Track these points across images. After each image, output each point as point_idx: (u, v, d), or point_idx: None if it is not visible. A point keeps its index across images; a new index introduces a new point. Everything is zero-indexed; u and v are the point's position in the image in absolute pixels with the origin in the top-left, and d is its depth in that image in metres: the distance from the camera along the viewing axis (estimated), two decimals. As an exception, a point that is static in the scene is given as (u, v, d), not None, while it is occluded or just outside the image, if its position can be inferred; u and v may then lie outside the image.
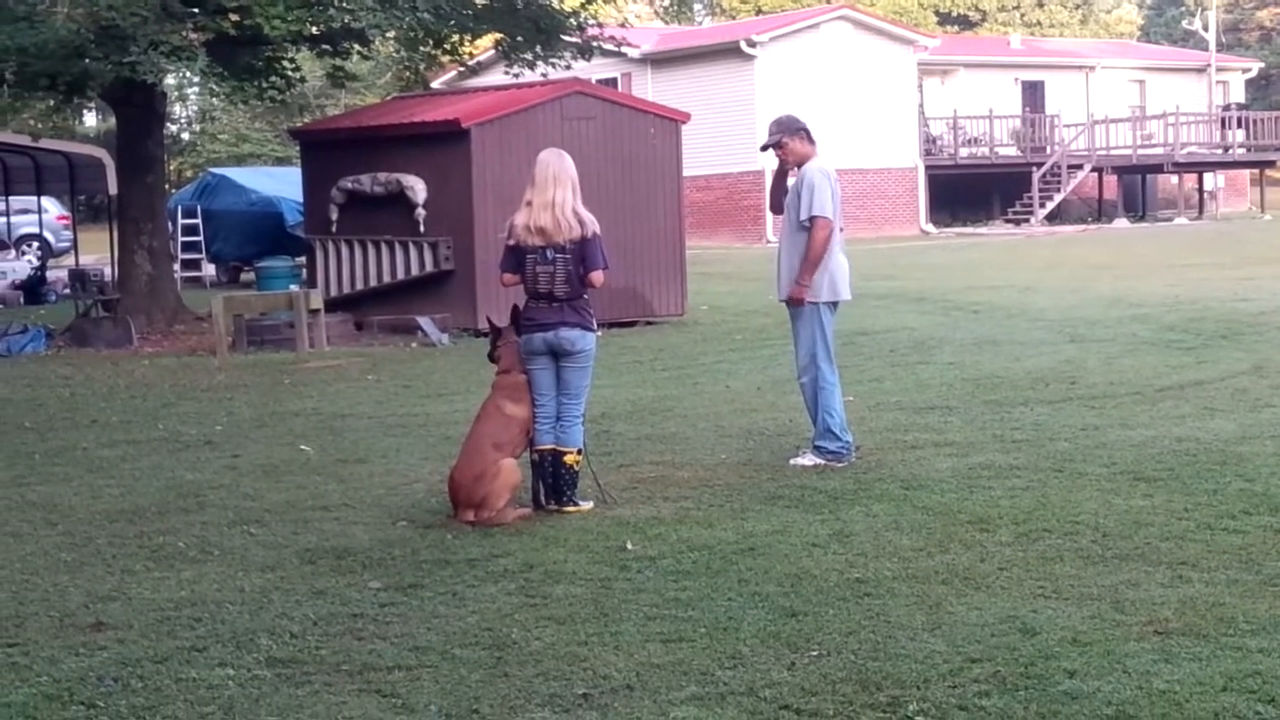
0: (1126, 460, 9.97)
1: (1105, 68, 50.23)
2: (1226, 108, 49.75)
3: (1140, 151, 45.70)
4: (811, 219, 10.11)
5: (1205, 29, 54.32)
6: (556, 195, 8.99)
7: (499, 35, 23.12)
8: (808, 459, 10.17)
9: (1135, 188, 48.48)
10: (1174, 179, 47.65)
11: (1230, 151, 47.32)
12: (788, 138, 10.34)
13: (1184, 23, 65.91)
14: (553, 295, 9.06)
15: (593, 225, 9.07)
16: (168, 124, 37.48)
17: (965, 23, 68.31)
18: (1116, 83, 49.99)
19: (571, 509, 9.00)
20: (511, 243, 9.12)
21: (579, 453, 9.18)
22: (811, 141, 10.37)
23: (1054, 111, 47.17)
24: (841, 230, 10.40)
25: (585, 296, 9.16)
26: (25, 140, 27.96)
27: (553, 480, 9.10)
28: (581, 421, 9.27)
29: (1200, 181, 48.31)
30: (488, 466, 8.87)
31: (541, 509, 9.12)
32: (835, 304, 10.43)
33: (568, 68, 23.09)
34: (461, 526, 8.73)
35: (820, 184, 10.18)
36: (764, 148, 10.50)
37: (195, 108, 60.64)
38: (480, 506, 8.81)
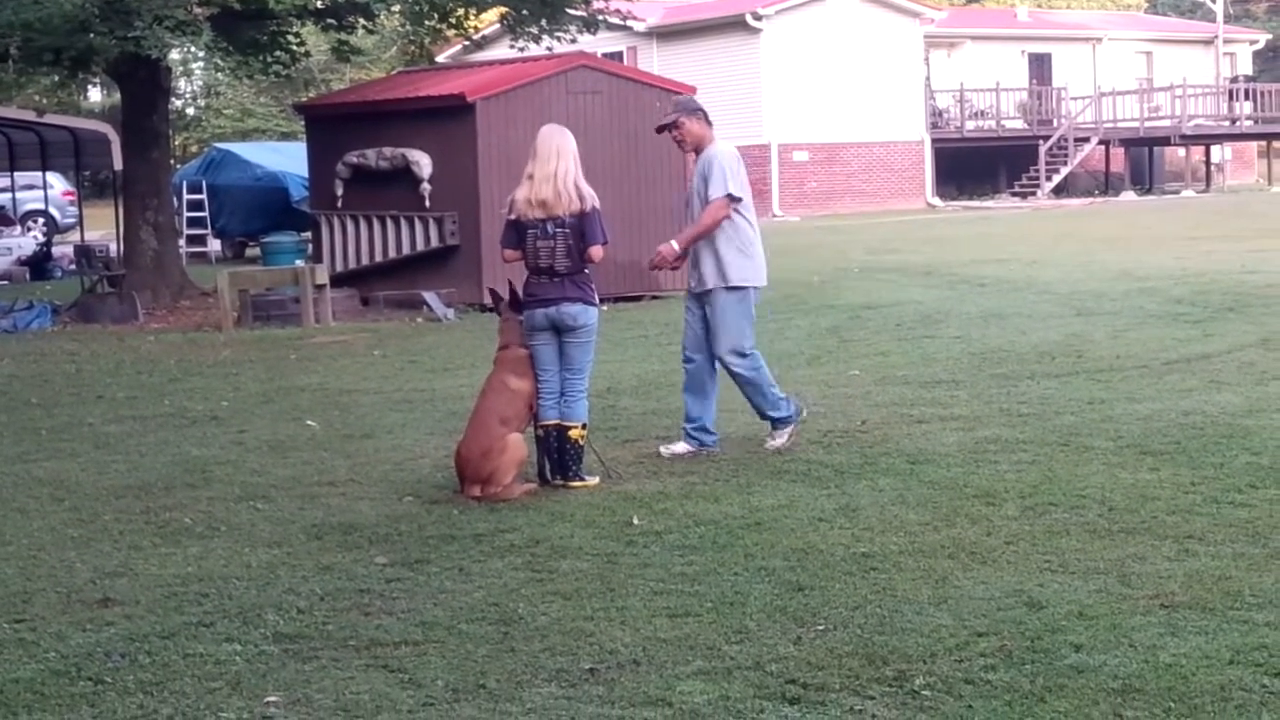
0: (1133, 434, 9.96)
1: (1112, 40, 50.09)
2: (1234, 80, 49.60)
3: (1147, 124, 45.59)
4: (725, 198, 9.68)
5: (1213, 1, 54.15)
6: (559, 167, 8.97)
7: (504, 9, 23.07)
8: (778, 439, 9.95)
9: (1142, 160, 48.37)
10: (1181, 151, 47.52)
11: (1237, 124, 47.20)
12: (685, 117, 9.86)
13: (1191, -6, 65.72)
14: (553, 270, 9.04)
15: (592, 199, 9.05)
16: (173, 99, 37.39)
17: (971, -5, 68.08)
18: (1123, 55, 49.85)
19: (577, 484, 9.00)
20: (513, 217, 9.10)
21: (584, 427, 9.18)
22: (709, 124, 9.90)
23: (1061, 84, 47.07)
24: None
25: (586, 271, 9.15)
26: (30, 115, 27.92)
27: (558, 455, 9.10)
28: (586, 396, 9.26)
29: (1207, 154, 48.21)
30: (494, 442, 8.87)
31: (547, 484, 9.12)
32: (758, 290, 10.02)
33: (573, 41, 23.04)
34: (468, 502, 8.73)
35: (727, 166, 9.70)
36: (659, 129, 10.04)
37: (200, 82, 60.59)
38: (487, 482, 8.82)
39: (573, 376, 9.20)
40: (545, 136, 9.10)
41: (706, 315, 9.97)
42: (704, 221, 9.75)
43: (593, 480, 9.07)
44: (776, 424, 10.03)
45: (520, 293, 9.28)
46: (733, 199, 9.72)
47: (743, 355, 9.97)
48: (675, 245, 9.91)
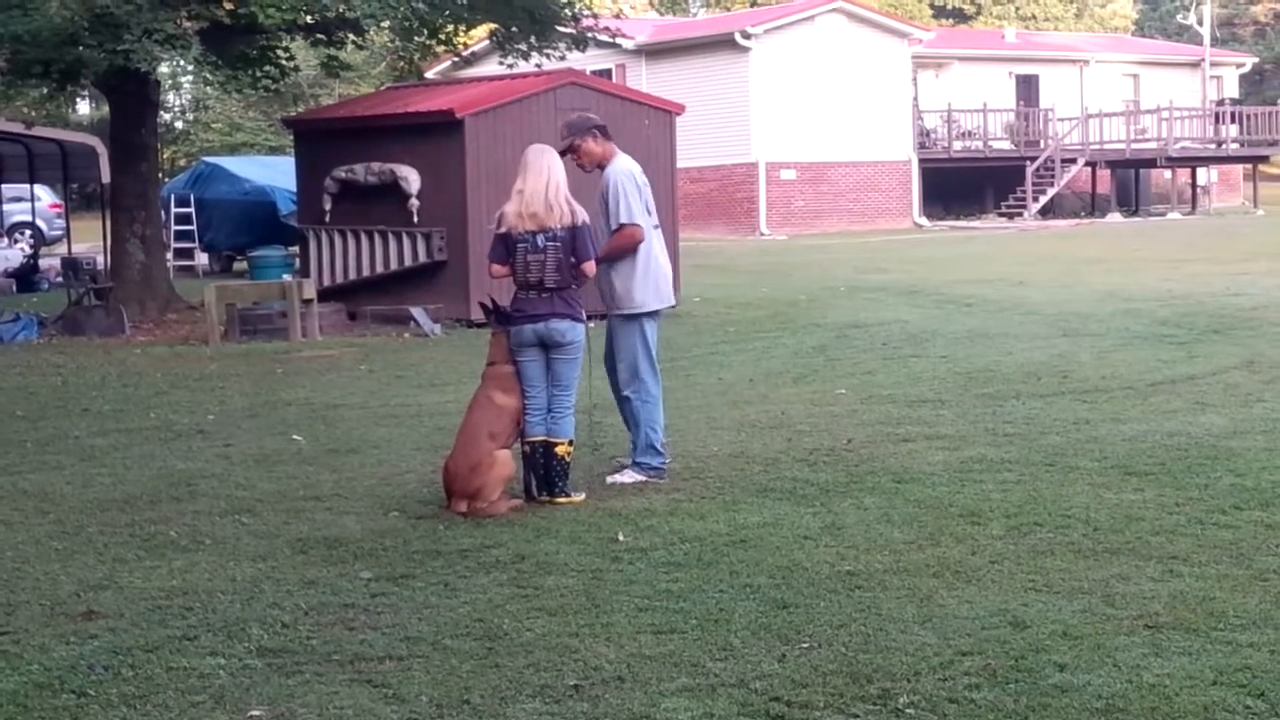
0: (1118, 454, 9.98)
1: (1099, 62, 50.22)
2: (1220, 103, 49.72)
3: (1134, 146, 45.71)
4: (620, 226, 9.47)
5: (1199, 23, 54.36)
6: (550, 181, 8.96)
7: (494, 25, 23.10)
8: (628, 476, 9.57)
9: (1128, 182, 48.48)
10: (1167, 174, 47.64)
11: (1224, 146, 47.30)
12: (580, 139, 9.56)
13: (1178, 17, 65.96)
14: (543, 284, 9.03)
15: (583, 214, 9.06)
16: (161, 112, 37.36)
17: (960, 16, 68.32)
18: (1110, 77, 49.99)
19: (563, 500, 9.00)
20: (502, 230, 9.07)
21: (570, 444, 9.18)
22: (608, 138, 9.64)
23: (1048, 105, 47.17)
24: (657, 228, 9.74)
25: (574, 287, 9.14)
26: (18, 128, 27.89)
27: (544, 472, 9.09)
28: (572, 413, 9.26)
29: (1193, 176, 48.32)
30: (482, 457, 8.86)
31: (533, 500, 9.12)
32: (658, 313, 9.73)
33: (562, 58, 23.06)
34: (454, 517, 8.73)
35: (627, 188, 9.45)
36: (562, 153, 9.49)
37: (189, 96, 60.53)
38: (474, 497, 8.81)
39: (560, 393, 9.18)
40: (535, 153, 9.11)
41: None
42: (614, 245, 9.49)
43: (579, 497, 9.07)
44: (638, 464, 9.63)
45: (507, 309, 9.25)
46: (626, 227, 9.47)
47: (635, 380, 9.69)
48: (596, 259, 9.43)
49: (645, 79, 40.66)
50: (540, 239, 8.98)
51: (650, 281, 9.63)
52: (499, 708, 5.59)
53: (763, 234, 40.76)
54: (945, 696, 5.57)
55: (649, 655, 6.13)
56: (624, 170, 9.56)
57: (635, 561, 7.63)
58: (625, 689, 5.75)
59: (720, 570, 7.42)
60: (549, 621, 6.63)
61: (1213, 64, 52.33)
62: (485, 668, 6.03)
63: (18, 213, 37.55)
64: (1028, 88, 48.47)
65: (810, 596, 6.91)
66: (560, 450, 9.10)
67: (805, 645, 6.20)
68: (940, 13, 66.84)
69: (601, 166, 9.66)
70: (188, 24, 20.37)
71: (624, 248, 9.50)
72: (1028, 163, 44.45)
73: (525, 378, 9.15)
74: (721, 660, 6.05)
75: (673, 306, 10.23)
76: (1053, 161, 44.71)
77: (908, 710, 5.45)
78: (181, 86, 57.75)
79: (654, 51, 43.18)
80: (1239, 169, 51.61)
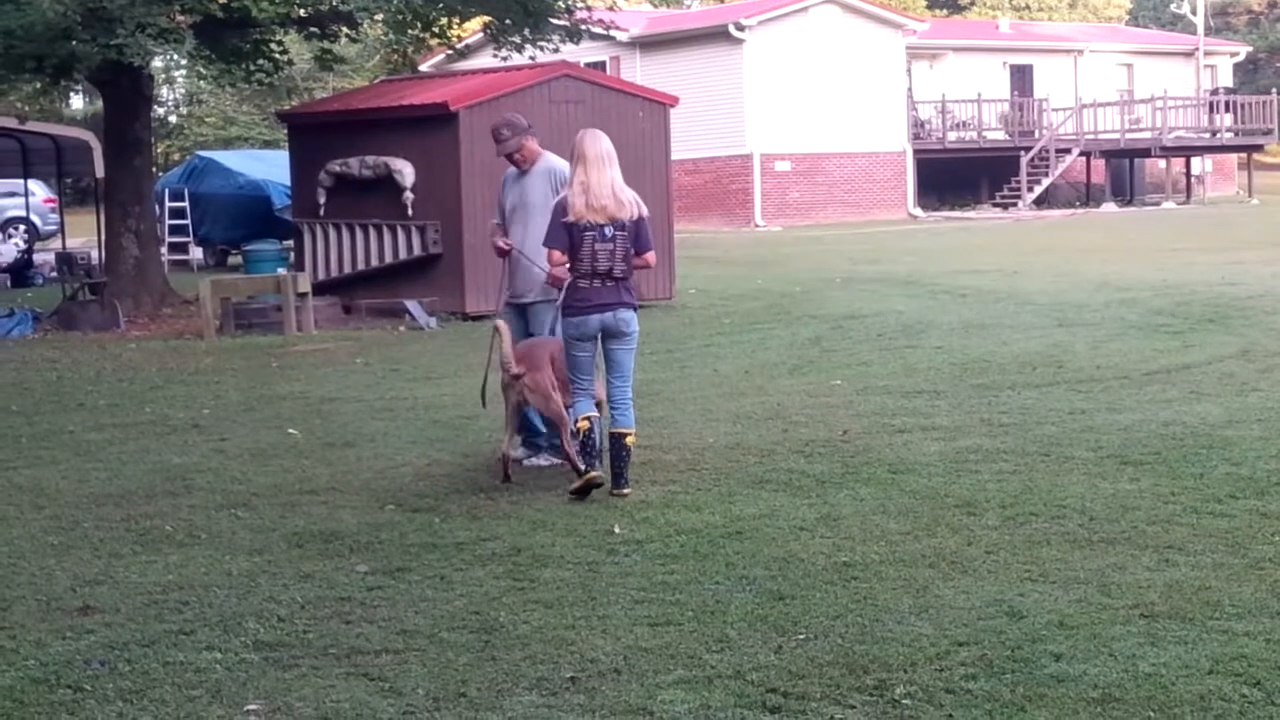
0: (1113, 444, 9.99)
1: (1093, 52, 50.21)
2: (1214, 92, 49.76)
3: (1128, 136, 45.70)
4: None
5: (1193, 13, 54.32)
6: (616, 172, 8.98)
7: (487, 18, 23.08)
8: (544, 459, 9.95)
9: (1123, 172, 48.48)
10: (1162, 163, 47.63)
11: (1218, 136, 47.32)
12: (525, 139, 10.01)
13: (1172, 6, 65.89)
14: (611, 274, 8.97)
15: (643, 206, 9.09)
16: (155, 107, 37.32)
17: (954, 6, 68.27)
18: (1105, 67, 49.99)
19: (627, 491, 8.93)
20: (570, 220, 8.91)
21: (635, 434, 9.19)
22: (534, 138, 10.11)
23: (1042, 95, 47.14)
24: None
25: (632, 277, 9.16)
26: (12, 123, 27.83)
27: (615, 463, 8.99)
28: (632, 403, 9.27)
29: (1188, 166, 48.33)
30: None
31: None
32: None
33: (556, 51, 23.05)
34: (449, 511, 8.73)
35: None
36: (507, 155, 10.03)
37: (182, 90, 60.44)
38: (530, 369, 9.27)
39: (622, 383, 9.16)
40: (591, 142, 9.01)
41: (528, 326, 10.10)
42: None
43: (628, 490, 9.00)
44: (554, 446, 9.85)
45: (565, 298, 9.09)
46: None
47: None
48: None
49: (640, 71, 40.63)
50: (609, 229, 8.92)
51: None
52: (496, 700, 5.59)
53: (758, 225, 40.75)
54: (942, 687, 5.57)
55: (645, 647, 6.13)
56: (559, 166, 9.94)
57: (631, 554, 7.64)
58: (622, 681, 5.76)
59: (716, 562, 7.42)
60: (545, 614, 6.63)
61: (1207, 53, 52.33)
62: (482, 660, 6.04)
63: (12, 208, 37.50)
64: (1022, 78, 48.46)
65: (806, 588, 6.92)
66: (630, 440, 9.07)
67: (801, 636, 6.21)
68: (934, 3, 66.77)
69: (533, 164, 10.06)
70: (181, 18, 20.37)
71: None
72: (1022, 153, 44.44)
73: (580, 367, 9.09)
74: (718, 652, 6.05)
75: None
76: (1047, 152, 44.71)
77: (904, 701, 5.46)
78: (175, 81, 57.68)
79: (648, 44, 43.15)
80: (1233, 158, 51.61)
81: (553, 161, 10.07)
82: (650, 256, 9.17)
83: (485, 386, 9.69)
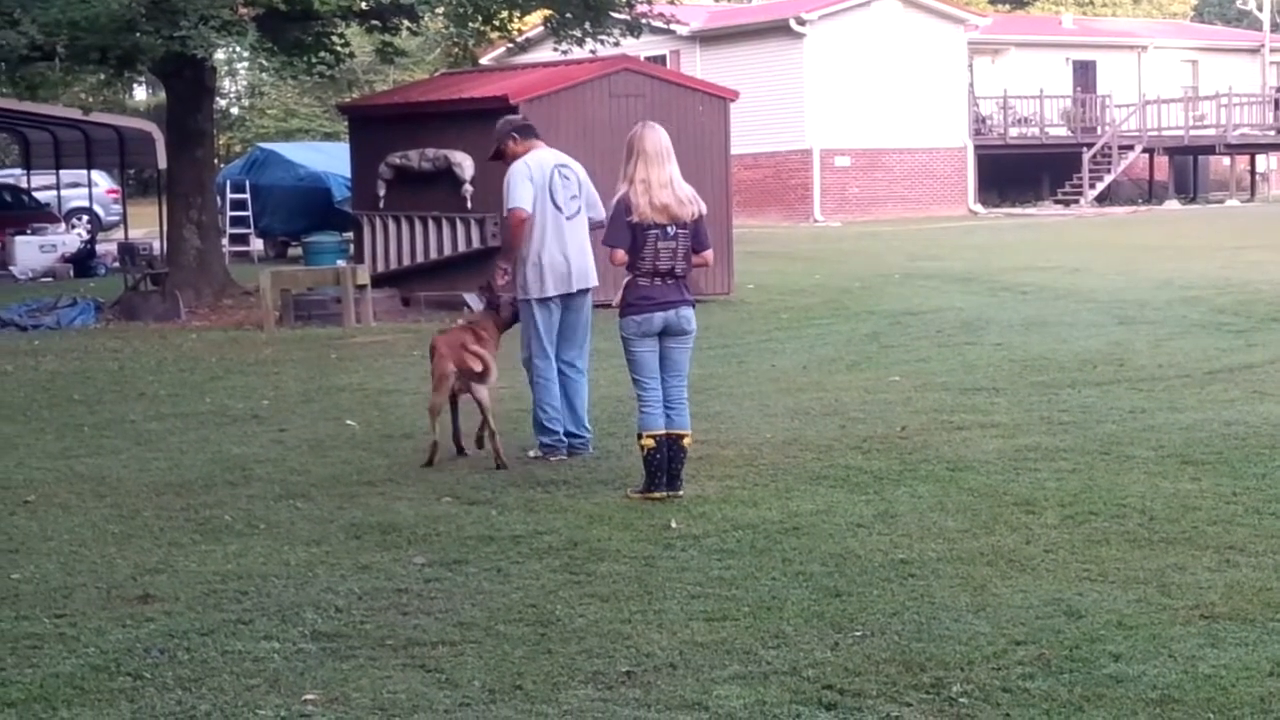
0: (1174, 443, 9.91)
1: (1158, 48, 49.83)
2: (1280, 89, 49.34)
3: (1192, 132, 45.36)
4: (509, 212, 10.08)
5: (1259, 9, 53.83)
6: (673, 170, 8.92)
7: (548, 12, 23.09)
8: (533, 451, 10.17)
9: (1186, 169, 48.12)
10: (1226, 161, 47.26)
11: (1283, 133, 46.94)
12: (505, 144, 10.35)
13: (1238, 2, 65.29)
14: (673, 272, 8.88)
15: (702, 203, 9.05)
16: (217, 98, 37.57)
17: (1017, 1, 67.87)
18: (1169, 63, 49.59)
19: (682, 493, 8.82)
20: (634, 219, 8.83)
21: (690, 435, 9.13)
22: (529, 138, 10.34)
23: (1105, 92, 46.85)
24: (570, 219, 10.18)
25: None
26: (76, 114, 28.09)
27: (673, 465, 8.87)
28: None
29: (1252, 163, 47.92)
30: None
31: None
32: (546, 300, 10.18)
33: (616, 44, 23.04)
34: (507, 503, 8.75)
35: (516, 178, 10.11)
36: (491, 158, 10.62)
37: (244, 82, 60.82)
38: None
39: (680, 382, 9.07)
40: (650, 138, 8.93)
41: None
42: (505, 240, 10.52)
43: (683, 491, 8.91)
44: (542, 444, 10.16)
45: (625, 297, 9.00)
46: (511, 211, 10.05)
47: (527, 364, 10.32)
48: (499, 265, 10.36)
49: (700, 65, 40.58)
50: (671, 228, 8.84)
51: (537, 272, 10.14)
52: (551, 693, 5.60)
53: (817, 221, 40.63)
54: (999, 686, 5.55)
55: (701, 642, 6.12)
56: (521, 162, 10.15)
57: (688, 548, 7.63)
58: (677, 676, 5.75)
59: (773, 558, 7.41)
60: (601, 608, 6.63)
61: (1273, 50, 51.80)
62: (538, 653, 6.04)
63: (75, 198, 37.86)
64: (1085, 74, 48.16)
65: (863, 584, 6.90)
66: (687, 441, 9.00)
67: (858, 633, 6.19)
68: (996, -2, 66.41)
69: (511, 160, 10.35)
70: (244, 10, 20.48)
71: (512, 234, 10.13)
72: (1084, 149, 44.17)
73: (646, 368, 8.99)
74: (774, 648, 6.04)
75: (582, 292, 10.33)
76: (1110, 148, 44.42)
77: (961, 699, 5.43)
78: (237, 73, 58.05)
79: (708, 38, 43.09)
80: (1299, 156, 51.14)
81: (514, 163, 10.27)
82: (709, 255, 9.13)
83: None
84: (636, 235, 8.84)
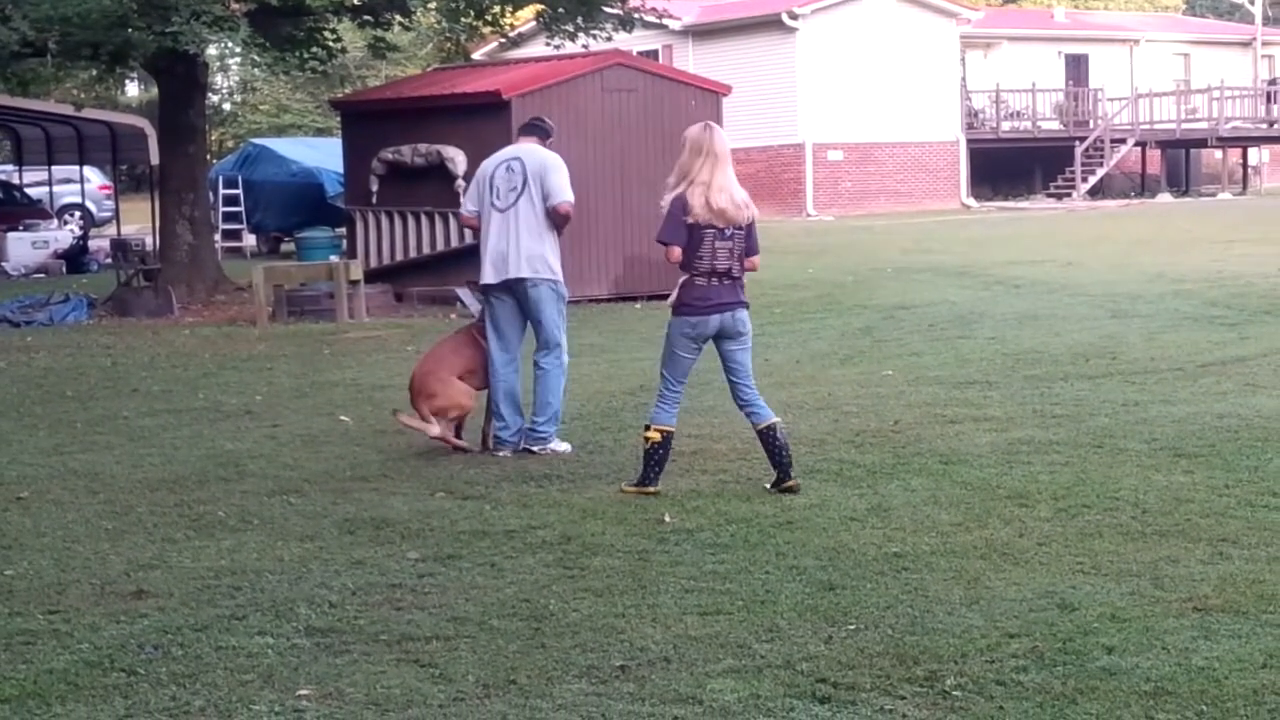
0: (1167, 436, 9.93)
1: (1150, 41, 49.85)
2: (1272, 82, 49.31)
3: (1184, 126, 45.37)
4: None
5: (1251, 2, 53.86)
6: (732, 174, 8.83)
7: (540, 7, 23.09)
8: (561, 445, 10.16)
9: (1179, 162, 48.14)
10: (1218, 154, 47.28)
11: (1275, 126, 46.96)
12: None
13: (1230, -4, 65.38)
14: (729, 273, 8.77)
15: (754, 208, 8.99)
16: (209, 94, 37.45)
17: (1008, -5, 67.86)
18: (1161, 56, 49.60)
19: (797, 482, 8.75)
20: (691, 221, 8.67)
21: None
22: (540, 138, 10.52)
23: (1097, 85, 46.86)
24: (504, 211, 10.19)
25: None
26: (68, 110, 28.08)
27: (778, 455, 8.76)
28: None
29: (1244, 156, 47.94)
30: (440, 368, 10.23)
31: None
32: (490, 289, 10.28)
33: (609, 39, 23.03)
34: (500, 498, 8.76)
35: (473, 180, 10.61)
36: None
37: (237, 78, 60.76)
38: (432, 400, 10.07)
39: (749, 383, 8.97)
40: (721, 141, 8.81)
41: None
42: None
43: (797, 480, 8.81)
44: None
45: (681, 296, 8.85)
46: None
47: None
48: None
49: (692, 59, 40.56)
50: (728, 229, 8.74)
51: (485, 263, 10.28)
52: (545, 688, 5.60)
53: (810, 215, 40.64)
54: (992, 678, 5.55)
55: (695, 636, 6.13)
56: (490, 159, 10.49)
57: (682, 543, 7.63)
58: (671, 670, 5.76)
59: (767, 552, 7.42)
60: (595, 602, 6.64)
61: (1264, 43, 51.87)
62: (531, 648, 6.05)
63: (67, 194, 37.79)
64: (1077, 67, 48.17)
65: (857, 578, 6.91)
66: (780, 425, 8.89)
67: (852, 627, 6.20)
68: (989, -8, 66.41)
69: None
70: (235, 5, 20.47)
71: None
72: (1077, 143, 44.18)
73: (680, 370, 8.92)
74: (768, 641, 6.04)
75: (507, 282, 10.25)
76: (1102, 142, 44.44)
77: (955, 692, 5.44)
78: (229, 68, 57.99)
79: (701, 32, 43.08)
80: (1291, 149, 51.17)
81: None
82: (757, 260, 8.99)
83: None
84: (693, 235, 8.70)
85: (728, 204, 8.73)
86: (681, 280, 8.85)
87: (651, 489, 8.75)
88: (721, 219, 8.70)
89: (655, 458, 8.80)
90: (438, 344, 10.81)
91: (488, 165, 10.45)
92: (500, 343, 10.27)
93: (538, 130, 10.59)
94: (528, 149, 10.38)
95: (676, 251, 8.76)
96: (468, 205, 10.54)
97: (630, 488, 8.82)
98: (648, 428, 8.87)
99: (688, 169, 8.76)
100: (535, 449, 10.03)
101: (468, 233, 20.19)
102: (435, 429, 10.04)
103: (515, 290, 10.20)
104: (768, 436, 8.81)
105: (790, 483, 8.70)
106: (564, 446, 10.12)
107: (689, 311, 8.79)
